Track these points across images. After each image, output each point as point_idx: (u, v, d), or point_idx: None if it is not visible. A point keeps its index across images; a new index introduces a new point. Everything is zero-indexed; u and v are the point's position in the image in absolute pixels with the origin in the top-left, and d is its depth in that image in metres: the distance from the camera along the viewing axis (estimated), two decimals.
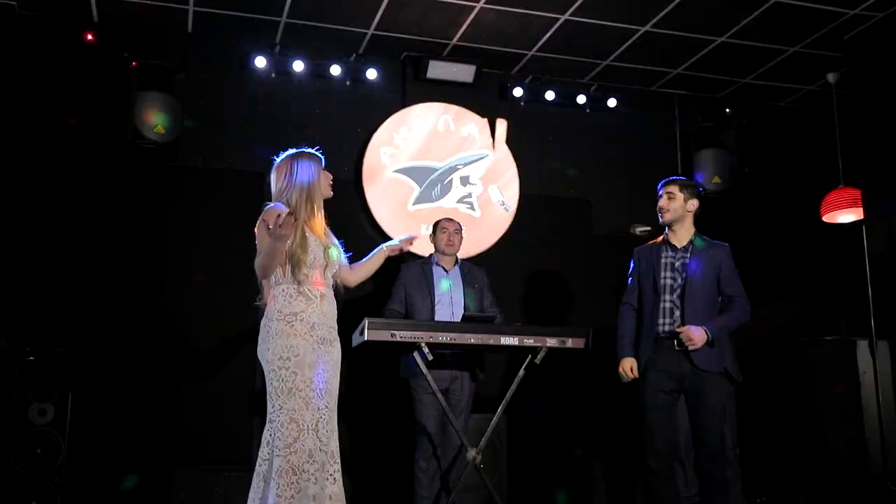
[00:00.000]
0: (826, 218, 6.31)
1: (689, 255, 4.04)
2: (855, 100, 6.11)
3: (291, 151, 3.56)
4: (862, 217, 6.03)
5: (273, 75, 5.90)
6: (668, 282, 4.02)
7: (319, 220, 3.52)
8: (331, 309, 3.48)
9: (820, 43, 5.99)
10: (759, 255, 6.31)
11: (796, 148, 6.99)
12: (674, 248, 4.09)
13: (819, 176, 6.55)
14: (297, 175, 3.46)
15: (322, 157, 3.59)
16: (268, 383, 3.34)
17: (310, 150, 3.58)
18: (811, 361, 5.61)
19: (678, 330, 3.88)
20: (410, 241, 3.95)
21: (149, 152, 5.47)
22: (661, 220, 4.11)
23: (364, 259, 3.83)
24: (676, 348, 3.92)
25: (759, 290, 5.05)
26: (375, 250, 3.86)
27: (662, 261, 4.07)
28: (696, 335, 3.84)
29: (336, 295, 3.58)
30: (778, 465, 5.57)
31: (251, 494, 3.35)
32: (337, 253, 3.56)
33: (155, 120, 5.31)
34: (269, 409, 3.33)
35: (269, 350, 3.34)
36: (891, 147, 5.80)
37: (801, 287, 6.48)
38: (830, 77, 6.42)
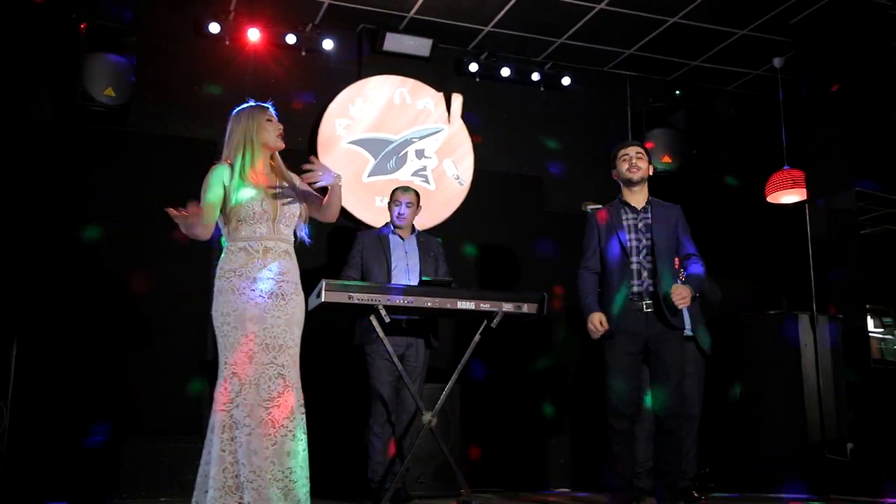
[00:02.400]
0: (770, 198, 6.48)
1: (649, 216, 4.09)
2: (800, 83, 6.29)
3: (236, 108, 3.46)
4: (804, 198, 6.21)
5: (227, 42, 5.82)
6: (634, 243, 4.05)
7: (261, 171, 3.39)
8: (279, 263, 3.35)
9: (767, 26, 6.15)
10: (706, 233, 6.45)
11: (742, 130, 7.16)
12: (633, 209, 4.12)
13: (764, 158, 6.73)
14: (235, 130, 3.40)
15: (267, 106, 3.45)
16: (217, 340, 3.32)
17: (254, 102, 3.47)
18: (755, 335, 5.76)
19: (671, 292, 3.87)
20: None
21: (99, 116, 5.35)
22: (633, 176, 4.10)
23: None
24: (645, 310, 3.96)
25: (707, 268, 5.19)
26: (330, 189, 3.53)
27: (624, 223, 4.10)
28: (686, 293, 3.87)
29: (299, 248, 3.50)
30: (722, 436, 5.71)
31: (205, 449, 3.31)
32: (293, 205, 3.42)
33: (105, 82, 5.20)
34: (219, 365, 3.30)
35: (214, 308, 3.31)
36: (833, 130, 5.99)
37: (745, 264, 6.64)
38: (776, 62, 6.59)
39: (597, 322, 4.01)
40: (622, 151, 4.18)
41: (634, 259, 4.03)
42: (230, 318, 3.27)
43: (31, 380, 4.86)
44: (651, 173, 4.20)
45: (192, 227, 3.28)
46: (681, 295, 3.86)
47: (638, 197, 4.15)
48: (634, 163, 4.11)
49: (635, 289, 4.00)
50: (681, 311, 4.00)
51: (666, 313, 3.93)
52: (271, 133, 3.42)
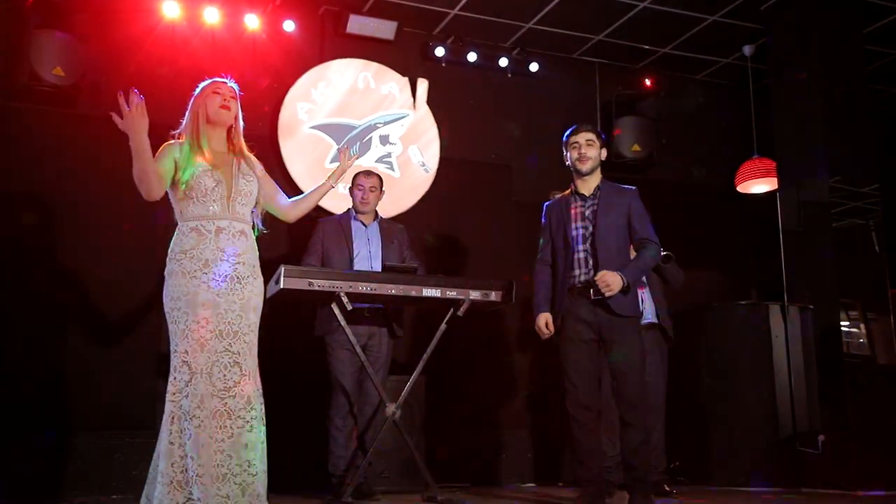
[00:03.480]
0: (740, 188, 6.43)
1: (597, 202, 3.97)
2: (770, 71, 6.23)
3: None
4: (775, 187, 6.16)
5: (184, 22, 5.60)
6: (581, 231, 3.95)
7: (216, 149, 3.29)
8: (233, 244, 3.20)
9: (738, 12, 6.08)
10: (676, 223, 6.38)
11: (712, 119, 7.10)
12: (583, 197, 4.01)
13: (734, 147, 6.68)
14: (189, 107, 3.33)
15: (218, 80, 3.35)
16: (168, 326, 3.16)
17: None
18: (726, 326, 5.68)
19: (595, 279, 3.80)
20: (346, 155, 3.71)
21: (47, 97, 5.12)
22: (582, 168, 3.98)
23: (304, 195, 3.63)
24: (592, 297, 3.84)
25: (676, 258, 5.10)
26: (320, 184, 3.62)
27: (572, 211, 3.99)
28: (612, 280, 3.76)
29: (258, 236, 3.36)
30: (692, 428, 5.62)
31: (158, 442, 3.14)
32: (249, 184, 3.30)
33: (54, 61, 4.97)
34: (171, 353, 3.14)
35: (164, 293, 3.16)
36: (804, 119, 5.93)
37: (715, 254, 6.59)
38: (746, 49, 6.55)
39: (542, 324, 3.97)
40: (572, 139, 4.04)
41: (580, 247, 3.93)
42: (180, 302, 3.11)
43: None
44: (604, 158, 4.06)
45: (144, 174, 3.08)
46: (605, 282, 3.76)
47: (588, 184, 4.02)
48: (583, 152, 3.97)
49: (582, 277, 3.90)
50: (624, 296, 3.82)
51: (609, 301, 3.81)
52: (214, 104, 3.28)
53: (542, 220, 4.17)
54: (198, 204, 3.18)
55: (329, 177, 3.63)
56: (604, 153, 4.06)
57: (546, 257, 4.10)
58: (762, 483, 5.31)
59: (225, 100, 3.30)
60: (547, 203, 4.21)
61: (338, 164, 3.71)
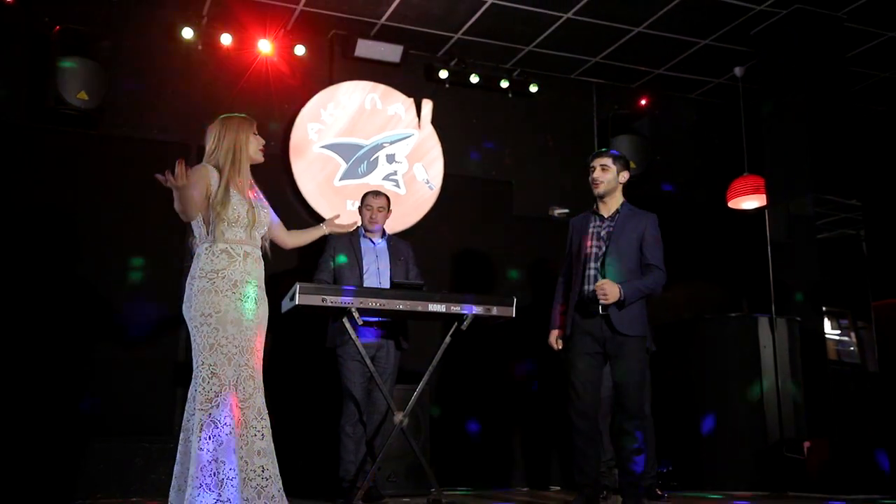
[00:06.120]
0: (731, 204, 6.65)
1: (614, 224, 4.21)
2: (760, 92, 6.48)
3: (224, 115, 3.59)
4: (765, 203, 6.39)
5: (200, 47, 5.87)
6: (594, 250, 4.18)
7: (246, 180, 3.54)
8: (256, 268, 3.50)
9: (729, 37, 6.34)
10: (670, 237, 6.60)
11: (704, 137, 7.34)
12: (601, 217, 4.25)
13: (725, 164, 6.91)
14: (225, 136, 3.51)
15: (253, 121, 3.60)
16: (192, 340, 3.40)
17: (241, 114, 3.61)
18: (717, 337, 5.90)
19: (595, 286, 4.04)
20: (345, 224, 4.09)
21: (71, 119, 5.37)
22: (595, 191, 4.23)
23: (303, 230, 3.96)
24: (601, 312, 4.07)
25: (669, 272, 5.32)
26: (316, 227, 3.99)
27: (590, 230, 4.23)
28: (609, 289, 3.98)
29: (264, 257, 3.61)
30: (683, 434, 5.84)
31: (180, 448, 3.38)
32: (265, 214, 3.59)
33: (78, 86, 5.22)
34: (194, 365, 3.37)
35: (192, 307, 3.39)
36: (792, 137, 6.17)
37: (707, 268, 6.80)
38: (737, 71, 6.77)
39: (553, 340, 4.29)
40: (590, 163, 4.28)
41: (592, 265, 4.17)
42: (211, 318, 3.35)
43: (2, 381, 4.87)
44: (623, 181, 4.25)
45: (185, 203, 3.31)
46: (603, 290, 3.98)
47: (608, 206, 4.25)
48: (594, 177, 4.22)
49: (591, 293, 4.12)
50: (625, 314, 4.03)
51: (612, 317, 4.04)
52: (254, 146, 3.57)
53: (568, 235, 4.42)
54: (229, 229, 3.44)
55: (328, 223, 4.01)
56: (623, 176, 4.25)
57: (566, 270, 4.35)
58: (751, 487, 5.53)
59: (262, 143, 3.60)
60: (573, 219, 4.45)
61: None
